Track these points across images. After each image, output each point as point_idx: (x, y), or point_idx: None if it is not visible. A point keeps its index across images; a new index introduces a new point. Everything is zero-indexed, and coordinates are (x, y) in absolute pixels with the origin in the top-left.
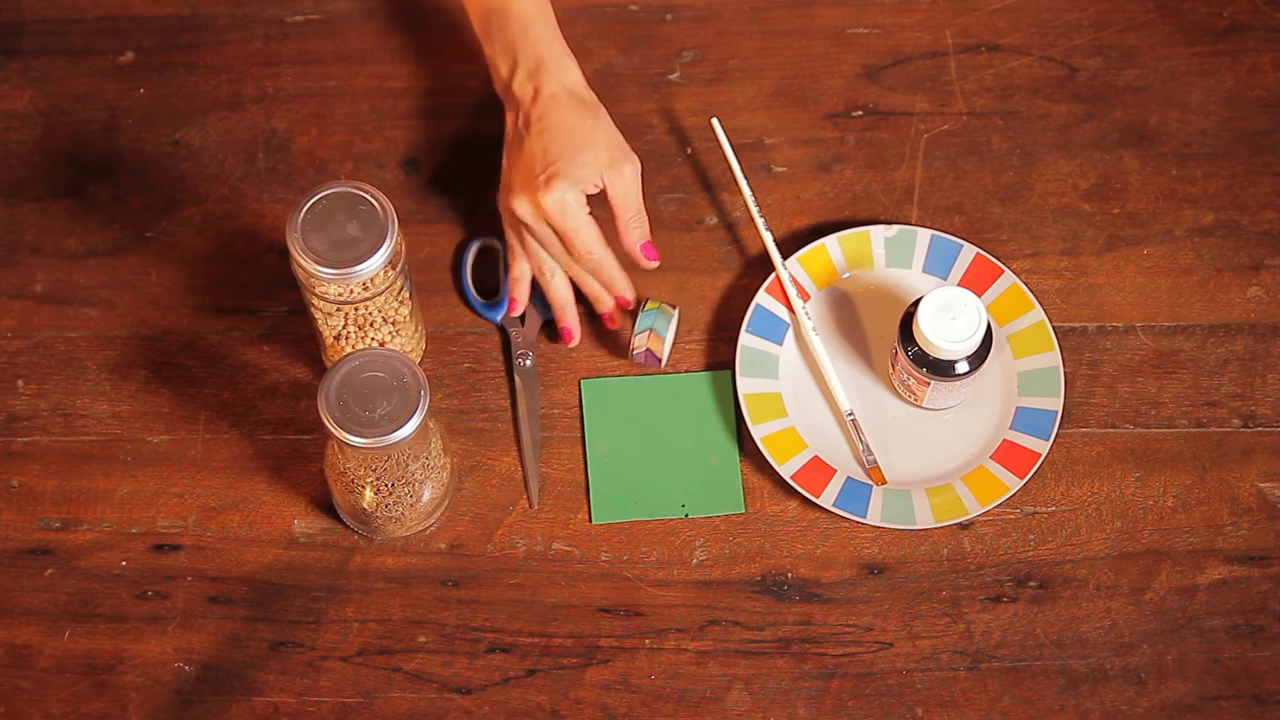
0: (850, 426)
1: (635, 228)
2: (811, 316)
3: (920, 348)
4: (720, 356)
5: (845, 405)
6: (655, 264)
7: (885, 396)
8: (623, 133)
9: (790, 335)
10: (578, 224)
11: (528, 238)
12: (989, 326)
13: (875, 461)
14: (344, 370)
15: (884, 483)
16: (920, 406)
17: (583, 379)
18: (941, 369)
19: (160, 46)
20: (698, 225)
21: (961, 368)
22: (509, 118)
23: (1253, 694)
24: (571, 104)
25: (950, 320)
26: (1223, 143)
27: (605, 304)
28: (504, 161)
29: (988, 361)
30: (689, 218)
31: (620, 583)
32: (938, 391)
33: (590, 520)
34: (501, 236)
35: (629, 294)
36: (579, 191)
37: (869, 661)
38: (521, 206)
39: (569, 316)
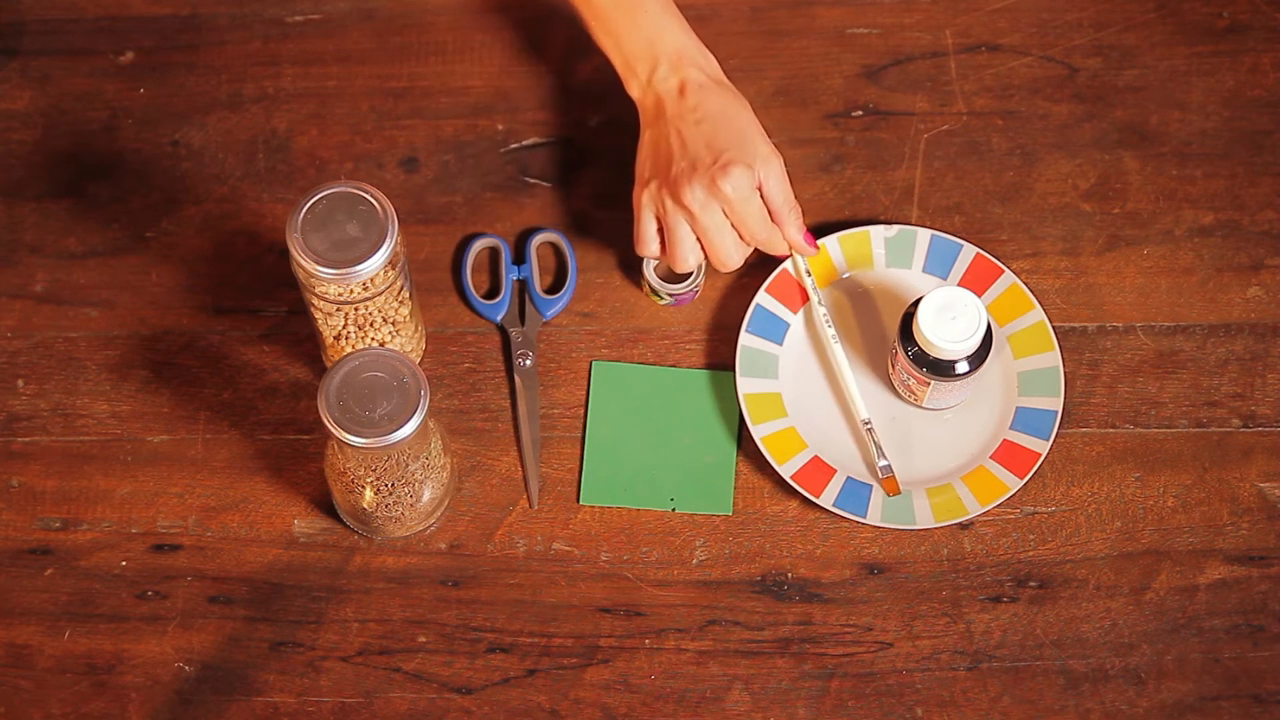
0: (866, 434)
1: (793, 219)
2: (830, 319)
3: (920, 348)
4: (720, 356)
5: (863, 413)
6: (815, 251)
7: (885, 396)
8: None
9: (790, 335)
10: (753, 207)
11: (680, 227)
12: (989, 326)
13: (891, 470)
14: (344, 370)
15: (897, 493)
16: (920, 406)
17: (594, 360)
18: (941, 369)
19: (160, 46)
20: None
21: (961, 368)
22: (648, 115)
23: (1253, 694)
24: (721, 93)
25: (950, 320)
26: (1223, 143)
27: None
28: (645, 159)
29: (988, 361)
30: None
31: (620, 583)
32: (938, 391)
33: (578, 500)
34: (502, 237)
35: (808, 249)
36: (753, 176)
37: (869, 661)
38: (695, 195)
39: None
